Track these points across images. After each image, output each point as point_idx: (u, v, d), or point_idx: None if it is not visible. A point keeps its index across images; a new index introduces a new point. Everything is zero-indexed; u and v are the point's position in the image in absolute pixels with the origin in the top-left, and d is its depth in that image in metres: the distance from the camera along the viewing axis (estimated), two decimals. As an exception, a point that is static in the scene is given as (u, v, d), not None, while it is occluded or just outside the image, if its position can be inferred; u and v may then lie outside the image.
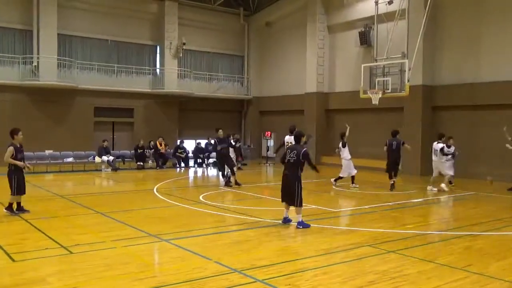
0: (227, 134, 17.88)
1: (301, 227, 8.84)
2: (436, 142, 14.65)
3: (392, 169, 14.86)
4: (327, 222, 9.28)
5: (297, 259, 6.91)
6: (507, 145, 14.71)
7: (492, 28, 17.84)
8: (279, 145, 9.15)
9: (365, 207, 12.07)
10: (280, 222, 9.32)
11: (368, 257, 6.93)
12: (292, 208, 9.18)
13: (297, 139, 9.17)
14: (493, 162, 17.20)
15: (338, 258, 6.93)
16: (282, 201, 9.25)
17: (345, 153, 14.93)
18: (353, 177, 15.09)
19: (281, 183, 9.24)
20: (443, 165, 14.46)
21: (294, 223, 9.06)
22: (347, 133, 15.03)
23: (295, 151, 8.93)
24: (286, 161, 9.03)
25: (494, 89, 17.50)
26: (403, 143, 14.90)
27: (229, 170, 15.26)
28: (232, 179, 15.21)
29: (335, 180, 15.21)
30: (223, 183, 15.37)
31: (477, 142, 16.96)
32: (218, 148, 15.26)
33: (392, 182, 14.74)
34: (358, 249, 7.41)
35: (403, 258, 6.87)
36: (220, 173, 15.97)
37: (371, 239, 8.18)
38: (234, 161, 17.86)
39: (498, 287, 5.75)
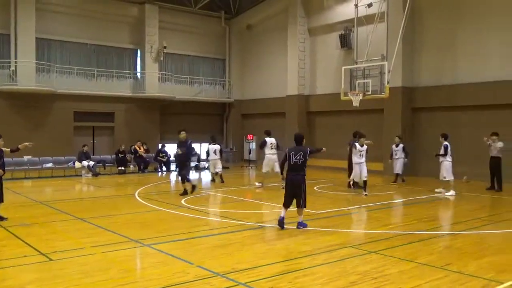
0: (212, 137, 17.82)
1: (301, 227, 9.03)
2: (447, 143, 14.50)
3: None
4: (310, 224, 9.30)
5: (280, 261, 6.92)
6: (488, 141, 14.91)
7: (468, 30, 18.17)
8: (283, 159, 9.36)
9: (348, 208, 12.15)
10: (262, 225, 9.32)
11: (350, 258, 6.99)
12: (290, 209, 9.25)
13: (300, 141, 9.34)
14: (472, 162, 17.46)
15: (321, 259, 6.96)
16: (285, 205, 9.16)
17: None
18: (365, 182, 14.22)
19: (285, 186, 9.34)
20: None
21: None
22: (363, 139, 14.32)
23: (301, 153, 9.11)
24: (292, 163, 9.11)
25: (472, 90, 17.82)
26: None
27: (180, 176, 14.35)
28: (184, 186, 14.09)
29: (352, 185, 14.84)
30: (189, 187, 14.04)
31: (456, 142, 17.16)
32: (177, 151, 14.16)
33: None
34: (340, 250, 7.46)
35: (384, 258, 6.94)
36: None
37: (353, 240, 8.25)
38: (221, 165, 17.63)
39: (477, 285, 5.83)
